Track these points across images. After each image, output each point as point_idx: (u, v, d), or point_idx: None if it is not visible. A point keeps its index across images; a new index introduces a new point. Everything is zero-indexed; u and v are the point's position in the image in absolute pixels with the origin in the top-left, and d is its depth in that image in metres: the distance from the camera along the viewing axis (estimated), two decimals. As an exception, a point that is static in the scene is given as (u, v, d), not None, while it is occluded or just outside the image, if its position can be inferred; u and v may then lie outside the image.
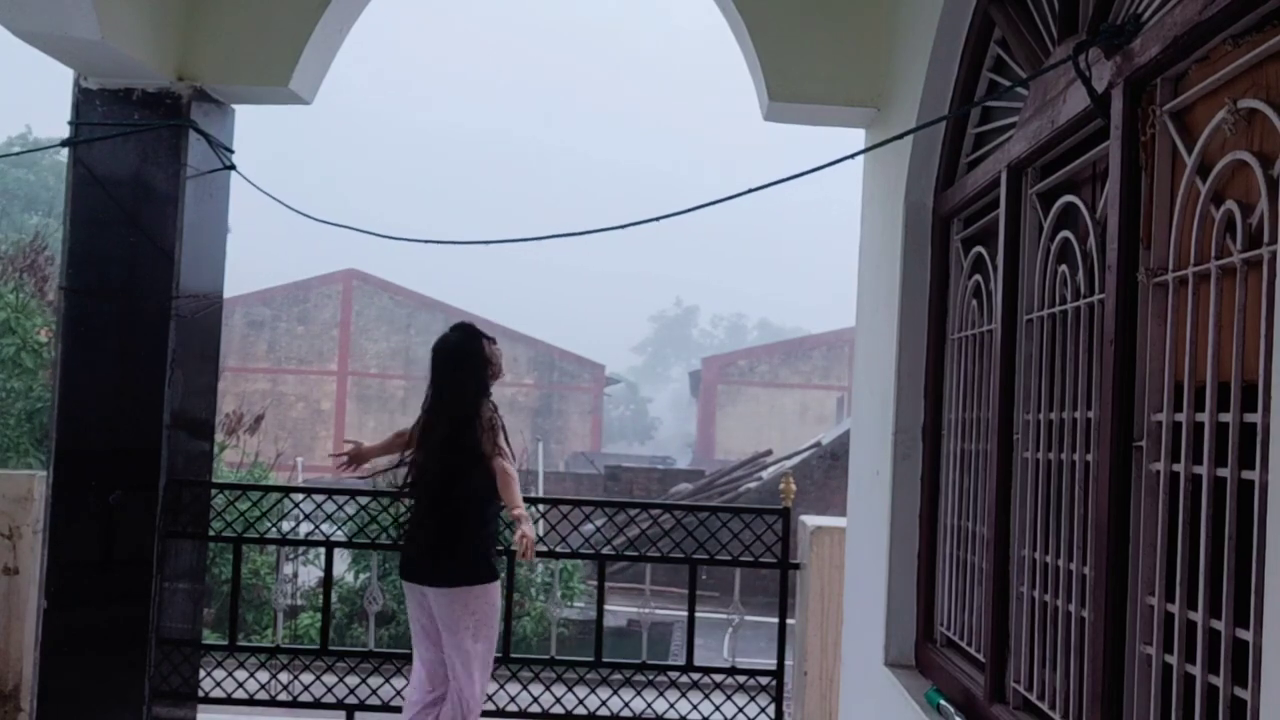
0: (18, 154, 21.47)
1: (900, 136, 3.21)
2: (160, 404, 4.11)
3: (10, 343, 9.81)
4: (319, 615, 5.42)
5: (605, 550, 4.89)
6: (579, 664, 4.84)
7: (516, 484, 3.98)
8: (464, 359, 4.06)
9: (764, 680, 4.73)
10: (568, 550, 5.10)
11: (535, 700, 4.68)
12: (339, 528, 5.30)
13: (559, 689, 4.81)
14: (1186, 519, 1.80)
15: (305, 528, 4.91)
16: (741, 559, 4.73)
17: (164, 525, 4.17)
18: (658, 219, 3.39)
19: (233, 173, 4.45)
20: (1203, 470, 1.74)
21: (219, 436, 10.32)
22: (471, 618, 3.88)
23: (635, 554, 5.32)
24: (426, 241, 4.20)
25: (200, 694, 4.57)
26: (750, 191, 3.12)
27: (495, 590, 3.98)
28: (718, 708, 4.69)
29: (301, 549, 6.19)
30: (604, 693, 4.71)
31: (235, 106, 4.45)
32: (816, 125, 4.16)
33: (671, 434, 52.02)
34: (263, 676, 4.79)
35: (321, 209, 4.52)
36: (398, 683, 4.76)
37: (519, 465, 4.14)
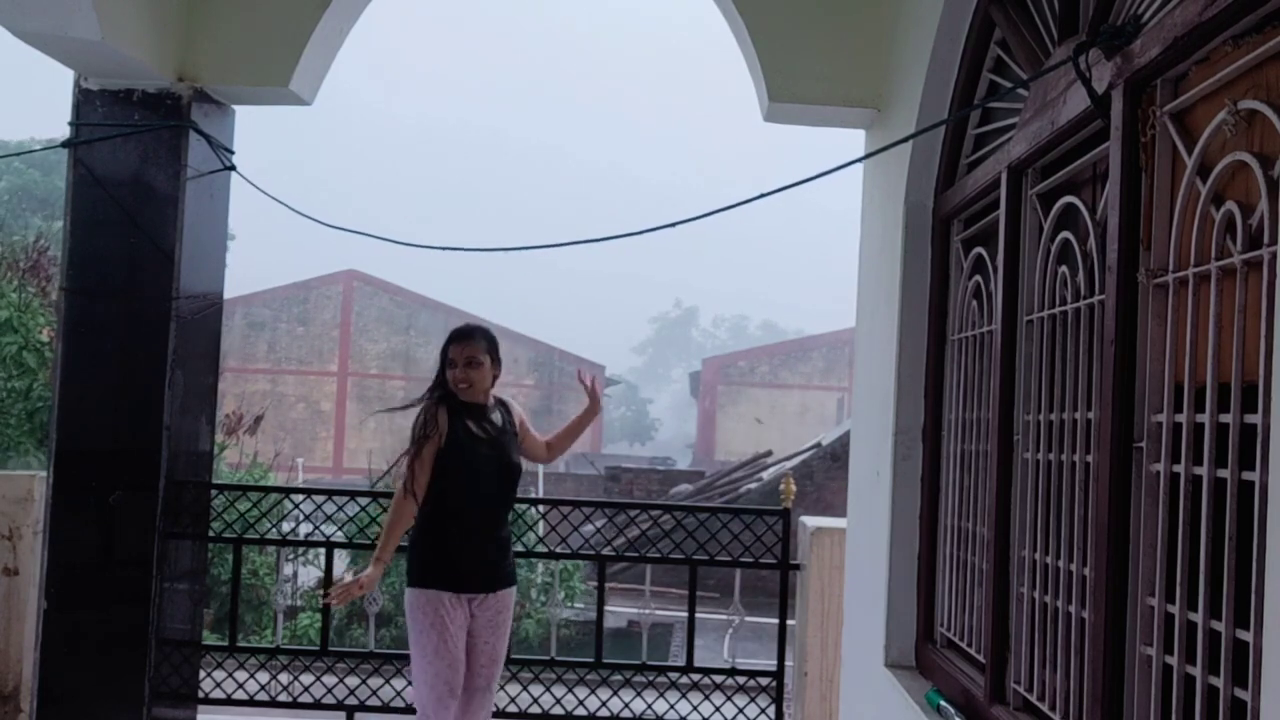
0: (16, 154, 21.45)
1: (901, 141, 3.20)
2: (160, 404, 4.11)
3: (12, 341, 9.77)
4: (319, 616, 5.42)
5: (605, 551, 4.89)
6: (579, 665, 4.84)
7: (396, 523, 3.75)
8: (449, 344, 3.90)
9: (764, 681, 4.73)
10: (568, 551, 5.10)
11: (535, 701, 4.68)
12: (339, 528, 5.30)
13: (559, 690, 4.82)
14: (1187, 520, 1.80)
15: (305, 528, 4.91)
16: (742, 560, 4.73)
17: (164, 526, 4.16)
18: (671, 225, 3.33)
19: (233, 173, 4.45)
20: (1203, 471, 1.74)
21: (219, 437, 10.31)
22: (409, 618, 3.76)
23: (635, 555, 5.32)
24: (431, 248, 4.15)
25: (200, 695, 4.57)
26: (760, 197, 3.10)
27: (413, 596, 3.71)
28: (718, 709, 4.69)
29: (301, 549, 6.20)
30: (604, 693, 4.71)
31: (235, 107, 4.45)
32: (816, 126, 4.15)
33: (672, 435, 52.03)
34: (263, 677, 4.79)
35: (321, 209, 4.51)
36: (398, 683, 4.76)
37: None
